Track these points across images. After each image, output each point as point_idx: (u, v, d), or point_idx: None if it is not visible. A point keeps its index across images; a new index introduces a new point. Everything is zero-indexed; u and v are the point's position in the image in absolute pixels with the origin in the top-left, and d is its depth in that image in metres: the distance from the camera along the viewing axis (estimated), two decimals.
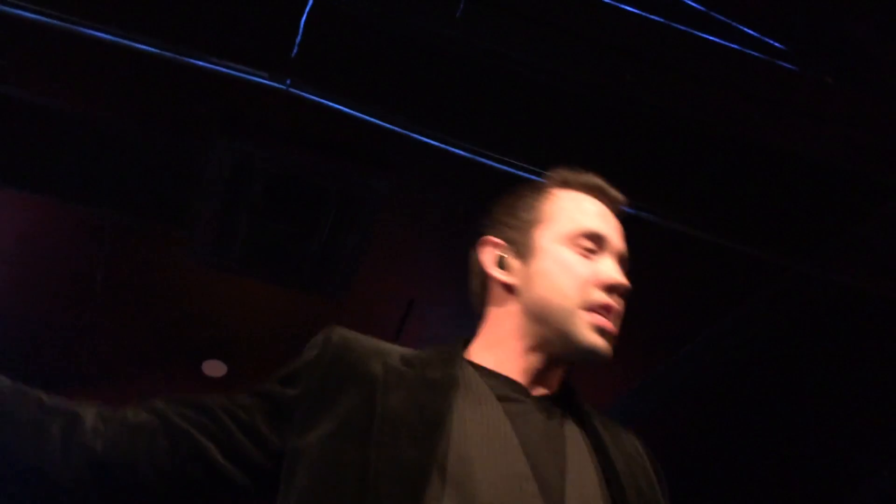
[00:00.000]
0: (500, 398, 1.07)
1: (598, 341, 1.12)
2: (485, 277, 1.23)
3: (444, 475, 0.94)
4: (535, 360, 1.14)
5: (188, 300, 3.92)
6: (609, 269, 1.15)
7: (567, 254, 1.15)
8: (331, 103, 2.67)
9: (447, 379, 1.06)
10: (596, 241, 1.16)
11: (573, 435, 1.09)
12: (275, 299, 3.87)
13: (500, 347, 1.16)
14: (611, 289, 1.14)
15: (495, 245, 1.22)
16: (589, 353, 1.12)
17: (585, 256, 1.15)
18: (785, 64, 2.54)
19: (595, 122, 2.79)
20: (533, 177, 2.67)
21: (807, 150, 2.70)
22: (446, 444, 0.96)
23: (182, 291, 3.86)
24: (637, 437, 1.22)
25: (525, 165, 2.66)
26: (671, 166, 2.88)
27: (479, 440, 0.98)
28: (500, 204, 1.27)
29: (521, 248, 1.18)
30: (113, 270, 3.73)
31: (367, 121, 2.71)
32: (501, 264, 1.20)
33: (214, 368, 4.30)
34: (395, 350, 1.17)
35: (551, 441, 1.05)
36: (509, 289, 1.19)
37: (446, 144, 2.68)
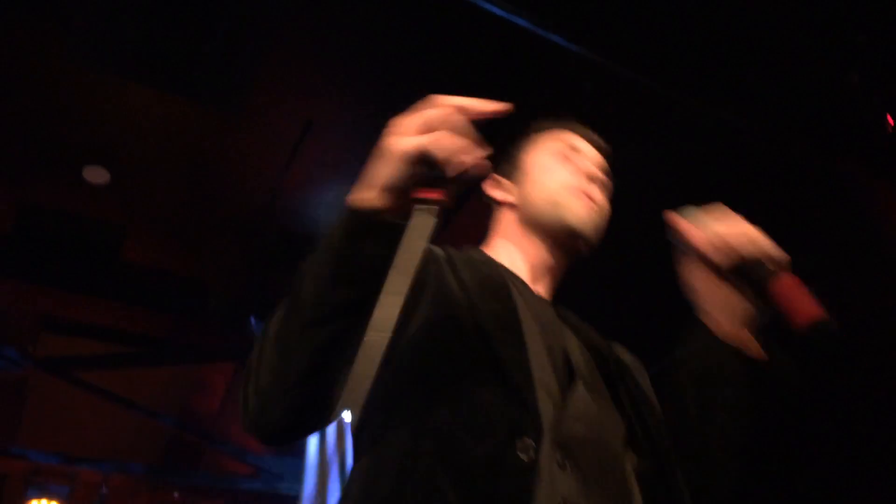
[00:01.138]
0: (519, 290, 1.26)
1: (583, 215, 1.32)
2: (491, 203, 1.46)
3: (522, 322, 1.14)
4: (535, 257, 1.35)
5: (66, 100, 3.63)
6: (586, 163, 1.38)
7: (549, 160, 1.39)
8: None
9: (488, 259, 1.31)
10: (574, 150, 1.40)
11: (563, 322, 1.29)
12: (163, 106, 3.65)
13: (508, 249, 1.37)
14: (589, 178, 1.36)
15: (495, 178, 1.46)
16: (576, 227, 1.32)
17: (565, 161, 1.38)
18: None
19: None
20: None
21: None
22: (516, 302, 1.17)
23: (59, 90, 3.57)
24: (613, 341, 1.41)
25: None
26: None
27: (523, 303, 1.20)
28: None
29: (514, 172, 1.43)
30: None
31: None
32: (501, 189, 1.44)
33: (96, 175, 4.10)
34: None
35: (550, 319, 1.25)
36: (510, 206, 1.41)
37: None
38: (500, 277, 1.22)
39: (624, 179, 3.38)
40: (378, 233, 0.96)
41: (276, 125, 3.68)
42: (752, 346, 1.21)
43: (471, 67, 3.31)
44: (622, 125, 3.40)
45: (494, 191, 1.44)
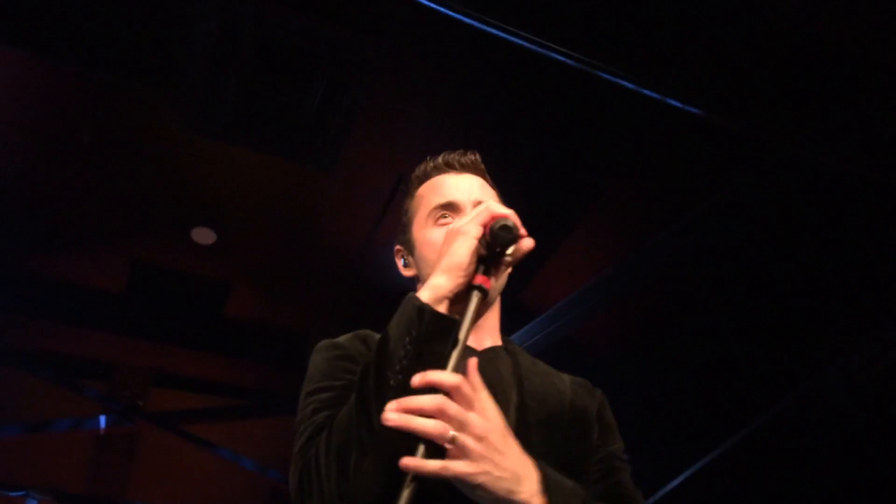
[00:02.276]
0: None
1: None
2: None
3: None
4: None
5: (176, 165, 3.89)
6: (460, 215, 1.39)
7: (430, 233, 1.39)
8: None
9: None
10: (449, 208, 1.40)
11: (501, 373, 1.35)
12: (264, 167, 3.85)
13: None
14: None
15: (398, 251, 1.49)
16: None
17: (441, 224, 1.39)
18: None
19: None
20: (530, 45, 2.59)
21: (801, 22, 2.61)
22: None
23: (170, 156, 3.83)
24: (569, 376, 1.44)
25: (523, 34, 2.56)
26: (662, 38, 2.80)
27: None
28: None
29: (409, 246, 1.45)
30: (99, 133, 3.68)
31: None
32: (406, 264, 1.47)
33: (203, 236, 4.33)
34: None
35: (499, 379, 1.32)
36: (417, 279, 1.44)
37: (443, 7, 2.53)
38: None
39: (730, 227, 3.32)
40: (449, 332, 1.08)
41: (369, 179, 3.82)
42: None
43: (554, 120, 3.37)
44: (715, 172, 3.35)
45: (403, 269, 1.48)
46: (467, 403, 1.02)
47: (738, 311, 3.95)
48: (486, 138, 3.47)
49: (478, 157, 1.50)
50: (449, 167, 1.47)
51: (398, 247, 1.50)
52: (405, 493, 0.95)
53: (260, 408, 5.60)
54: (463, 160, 1.48)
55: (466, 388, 1.02)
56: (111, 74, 3.29)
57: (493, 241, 1.15)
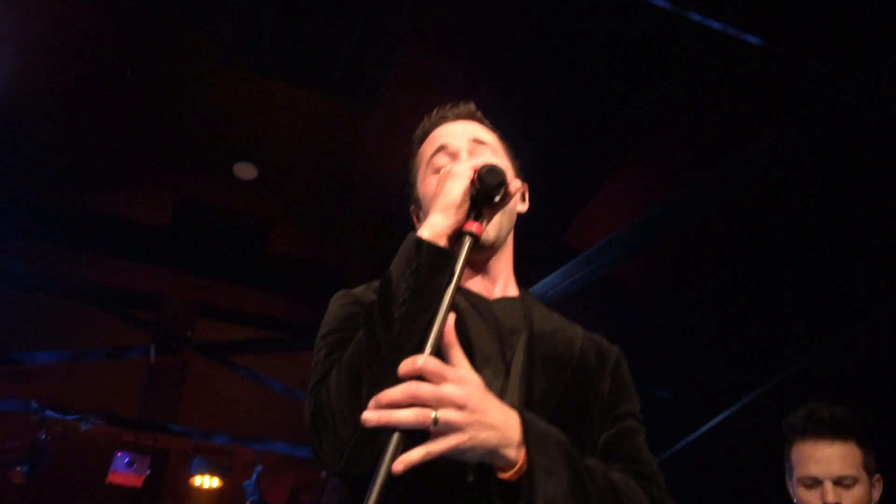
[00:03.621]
0: (473, 303, 1.36)
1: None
2: None
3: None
4: (475, 270, 1.42)
5: (219, 101, 3.89)
6: (455, 159, 1.42)
7: (429, 181, 1.42)
8: None
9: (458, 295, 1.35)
10: (444, 152, 1.43)
11: (513, 317, 1.37)
12: (304, 105, 3.84)
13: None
14: None
15: (412, 210, 1.52)
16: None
17: (437, 171, 1.41)
18: None
19: None
20: None
21: None
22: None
23: (212, 92, 3.83)
24: (583, 330, 1.43)
25: None
26: None
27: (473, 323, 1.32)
28: None
29: (418, 202, 1.48)
30: (142, 69, 3.70)
31: None
32: (419, 219, 1.49)
33: (245, 171, 4.36)
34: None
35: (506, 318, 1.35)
36: None
37: None
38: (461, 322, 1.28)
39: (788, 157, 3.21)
40: (447, 264, 1.14)
41: (408, 117, 3.78)
42: None
43: (599, 59, 3.27)
44: (762, 113, 3.24)
45: (417, 225, 1.47)
46: (439, 377, 1.01)
47: (782, 255, 3.87)
48: (527, 76, 3.39)
49: (472, 105, 1.49)
50: (443, 119, 1.49)
51: (412, 206, 1.51)
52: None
53: (303, 340, 5.73)
54: (456, 111, 1.49)
55: (432, 365, 1.01)
56: (149, 6, 3.28)
57: (481, 185, 1.20)
